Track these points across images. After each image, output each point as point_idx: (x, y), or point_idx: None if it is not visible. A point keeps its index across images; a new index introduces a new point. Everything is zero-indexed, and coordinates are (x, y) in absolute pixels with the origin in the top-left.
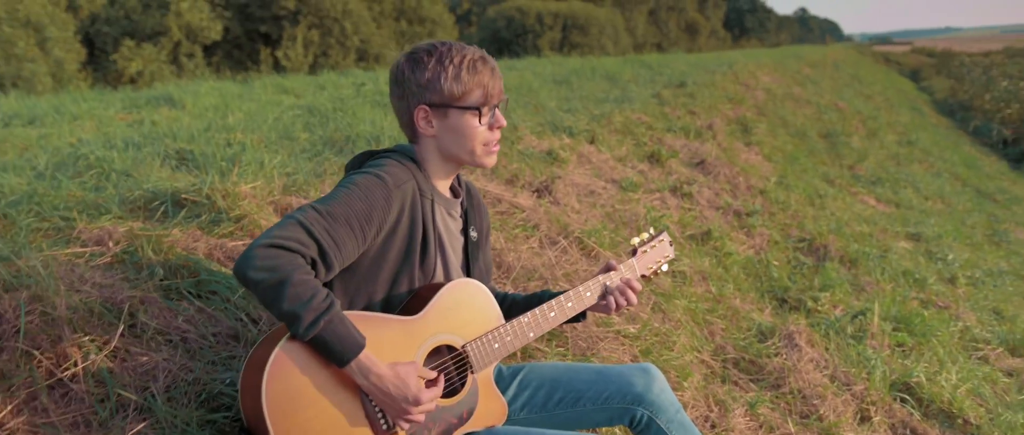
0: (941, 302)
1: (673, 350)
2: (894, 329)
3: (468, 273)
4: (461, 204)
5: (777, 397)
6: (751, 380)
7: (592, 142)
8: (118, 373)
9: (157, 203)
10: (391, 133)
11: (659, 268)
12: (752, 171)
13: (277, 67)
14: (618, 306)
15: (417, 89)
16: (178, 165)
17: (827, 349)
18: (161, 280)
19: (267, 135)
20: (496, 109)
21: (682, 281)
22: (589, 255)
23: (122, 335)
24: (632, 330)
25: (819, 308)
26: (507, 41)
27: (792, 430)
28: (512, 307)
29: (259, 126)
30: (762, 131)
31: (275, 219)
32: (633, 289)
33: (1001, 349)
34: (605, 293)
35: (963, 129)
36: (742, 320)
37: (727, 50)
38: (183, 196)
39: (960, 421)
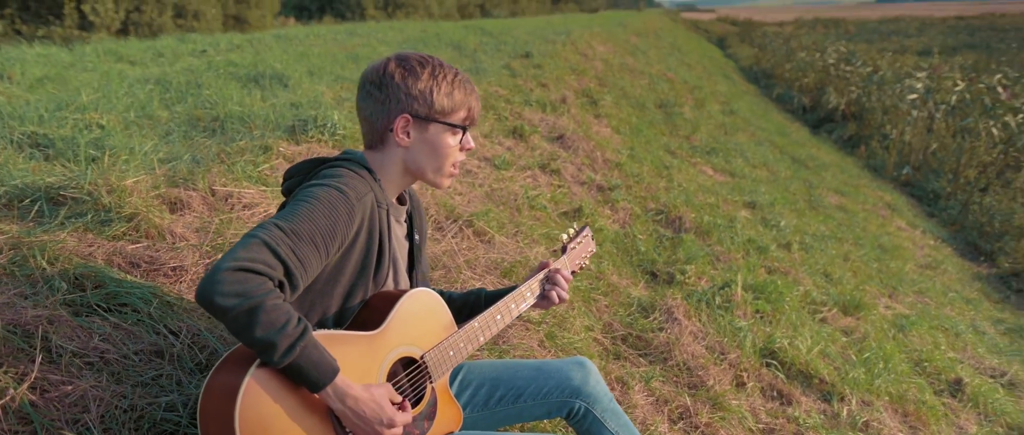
0: (782, 268)
1: (572, 331)
2: (754, 298)
3: (412, 277)
4: (407, 210)
5: (666, 371)
6: (640, 355)
7: None
8: (43, 407)
9: (27, 201)
10: (262, 114)
11: (584, 263)
12: (606, 145)
13: (84, 24)
14: (559, 300)
15: (405, 97)
16: (35, 153)
17: (701, 321)
18: (65, 295)
19: (124, 114)
20: (467, 132)
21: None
22: (484, 240)
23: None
24: (535, 315)
25: (687, 280)
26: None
27: (687, 402)
28: (448, 305)
29: (113, 104)
30: (608, 103)
31: (168, 217)
32: (567, 281)
33: (835, 309)
34: (543, 292)
35: (768, 96)
36: (622, 296)
37: (548, 14)
38: (60, 193)
39: (816, 380)
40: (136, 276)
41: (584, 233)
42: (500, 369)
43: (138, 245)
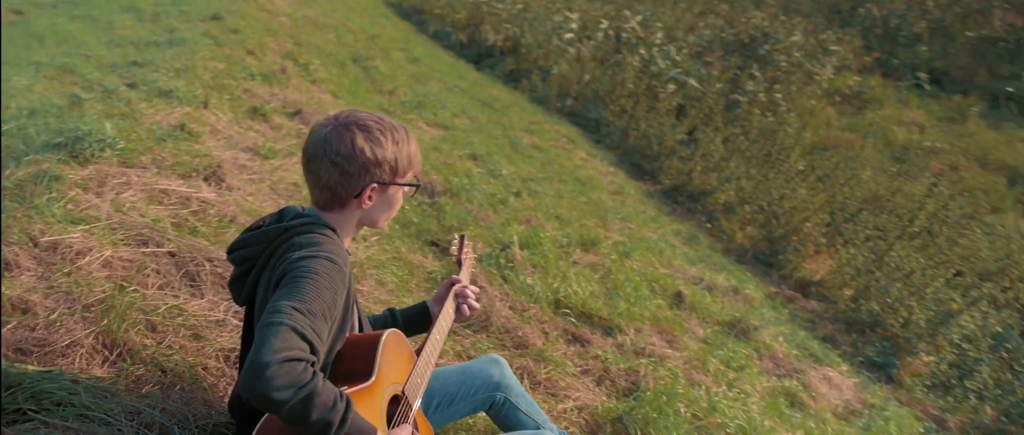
0: (524, 218)
1: None
2: (530, 254)
3: (359, 318)
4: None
5: (492, 337)
6: (465, 327)
7: (205, 107)
8: None
9: None
10: None
11: (475, 267)
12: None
13: None
14: (470, 310)
15: (374, 168)
16: None
17: (500, 285)
18: None
19: None
20: None
21: (369, 245)
22: None
23: None
24: (377, 311)
25: None
26: None
27: (528, 363)
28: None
29: None
30: (318, 67)
31: (12, 285)
32: (474, 292)
33: (578, 250)
34: (458, 306)
35: (425, 33)
36: (422, 272)
37: None
38: None
39: (597, 318)
40: (35, 363)
41: (465, 242)
42: (431, 379)
43: (8, 327)
